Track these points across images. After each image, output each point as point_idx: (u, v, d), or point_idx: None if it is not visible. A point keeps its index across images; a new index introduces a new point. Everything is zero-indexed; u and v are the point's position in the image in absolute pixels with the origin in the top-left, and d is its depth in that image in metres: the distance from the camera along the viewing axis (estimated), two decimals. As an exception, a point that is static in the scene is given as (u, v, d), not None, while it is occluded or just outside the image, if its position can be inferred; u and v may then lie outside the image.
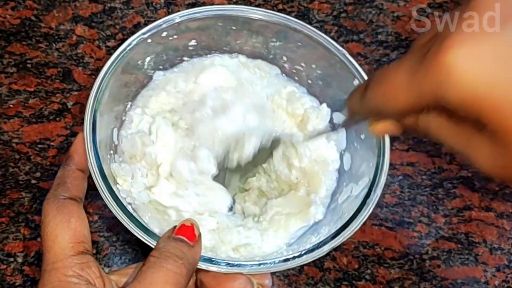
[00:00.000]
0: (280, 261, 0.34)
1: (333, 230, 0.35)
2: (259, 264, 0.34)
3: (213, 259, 0.34)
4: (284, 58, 0.46)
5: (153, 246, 0.33)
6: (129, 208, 0.35)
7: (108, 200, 0.35)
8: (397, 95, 0.27)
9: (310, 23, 0.48)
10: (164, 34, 0.42)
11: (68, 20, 0.54)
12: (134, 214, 0.35)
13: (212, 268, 0.33)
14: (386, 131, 0.34)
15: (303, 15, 0.56)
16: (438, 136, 0.29)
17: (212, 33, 0.45)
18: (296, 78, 0.47)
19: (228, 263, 0.34)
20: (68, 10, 0.54)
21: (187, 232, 0.32)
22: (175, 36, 0.43)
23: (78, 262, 0.31)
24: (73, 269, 0.31)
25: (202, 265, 0.33)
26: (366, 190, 0.37)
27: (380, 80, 0.29)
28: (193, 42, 0.45)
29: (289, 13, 0.55)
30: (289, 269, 0.46)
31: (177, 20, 0.42)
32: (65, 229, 0.32)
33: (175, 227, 0.33)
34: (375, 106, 0.30)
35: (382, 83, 0.29)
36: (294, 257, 0.34)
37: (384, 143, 0.39)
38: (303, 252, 0.34)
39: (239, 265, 0.34)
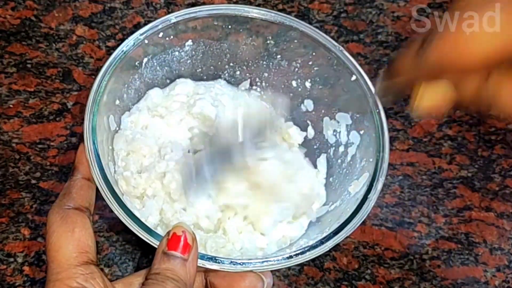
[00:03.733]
0: (283, 258, 0.34)
1: (336, 226, 0.36)
2: (263, 262, 0.34)
3: (216, 258, 0.34)
4: (282, 57, 0.46)
5: (155, 246, 0.33)
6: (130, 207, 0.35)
7: (109, 200, 0.35)
8: (475, 44, 0.26)
9: (310, 23, 0.48)
10: (161, 34, 0.42)
11: (68, 20, 0.54)
12: (136, 214, 0.35)
13: (215, 266, 0.33)
14: (434, 107, 0.30)
15: (303, 15, 0.56)
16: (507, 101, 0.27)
17: (210, 33, 0.45)
18: (294, 76, 0.47)
19: (232, 262, 0.34)
20: (68, 10, 0.54)
21: (179, 244, 0.32)
22: (172, 37, 0.43)
23: (82, 273, 0.31)
24: (77, 280, 0.31)
25: (206, 264, 0.33)
26: (367, 185, 0.37)
27: (448, 33, 0.27)
28: (189, 42, 0.45)
29: (289, 13, 0.55)
30: (289, 269, 0.46)
31: (173, 20, 0.42)
32: (69, 239, 0.32)
33: (168, 233, 0.33)
34: (440, 62, 0.27)
35: (452, 34, 0.26)
36: (297, 254, 0.34)
37: (383, 137, 0.39)
38: (306, 249, 0.35)
39: (242, 263, 0.34)
